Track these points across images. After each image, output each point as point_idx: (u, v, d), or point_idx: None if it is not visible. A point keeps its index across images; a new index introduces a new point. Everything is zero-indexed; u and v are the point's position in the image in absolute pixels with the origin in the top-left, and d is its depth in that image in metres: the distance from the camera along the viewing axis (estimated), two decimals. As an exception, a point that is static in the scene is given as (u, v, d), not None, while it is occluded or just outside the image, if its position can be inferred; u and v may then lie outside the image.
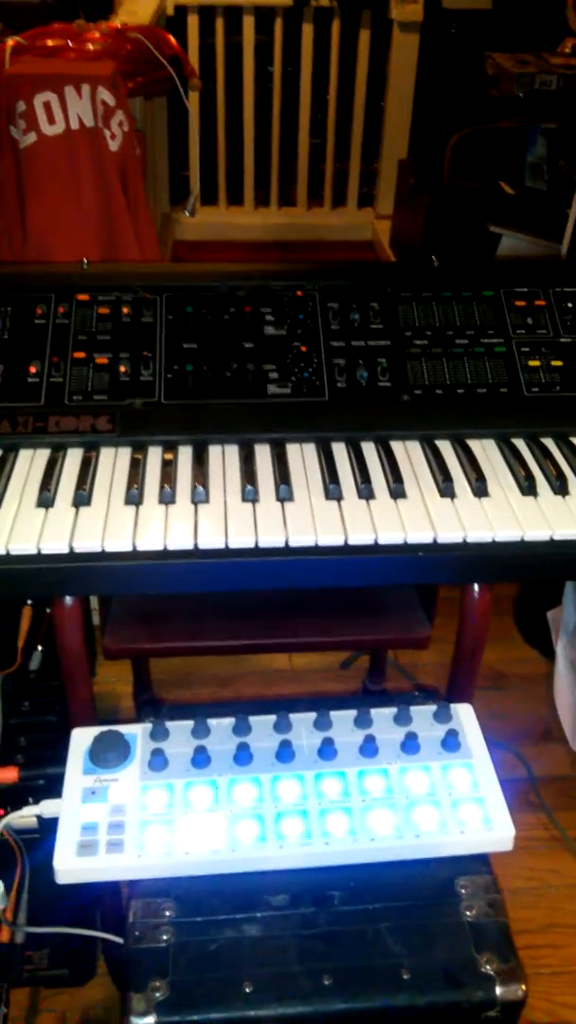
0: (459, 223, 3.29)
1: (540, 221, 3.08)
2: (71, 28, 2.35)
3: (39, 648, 1.64)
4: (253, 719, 1.18)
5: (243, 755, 1.13)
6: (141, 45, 2.32)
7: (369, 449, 1.33)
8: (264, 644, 1.63)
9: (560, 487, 1.28)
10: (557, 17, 3.57)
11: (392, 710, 1.20)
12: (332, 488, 1.24)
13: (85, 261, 1.46)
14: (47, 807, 1.18)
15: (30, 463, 1.27)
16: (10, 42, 2.17)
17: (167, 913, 1.04)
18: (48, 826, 1.15)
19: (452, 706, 1.21)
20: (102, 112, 2.06)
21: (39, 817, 1.24)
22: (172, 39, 2.45)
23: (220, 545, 1.16)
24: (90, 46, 2.25)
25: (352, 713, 1.20)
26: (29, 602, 1.59)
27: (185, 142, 3.93)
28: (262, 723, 1.18)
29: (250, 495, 1.22)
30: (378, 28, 3.92)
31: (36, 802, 1.22)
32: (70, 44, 2.24)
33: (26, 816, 1.21)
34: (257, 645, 1.63)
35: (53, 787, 1.22)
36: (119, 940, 1.10)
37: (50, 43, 2.25)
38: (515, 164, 3.40)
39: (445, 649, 1.43)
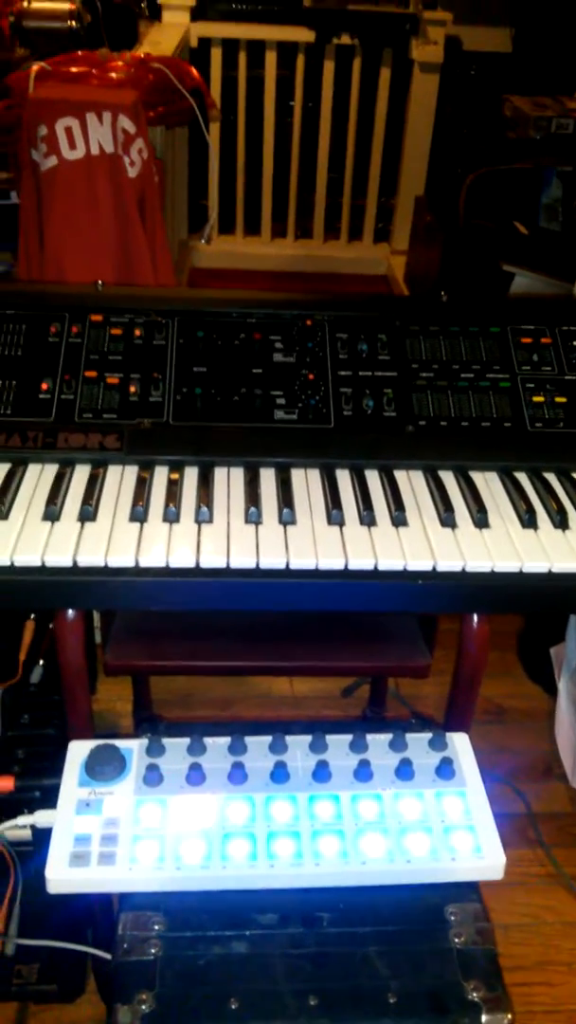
0: (473, 261, 3.32)
1: (553, 261, 3.11)
2: (95, 56, 2.40)
3: (41, 662, 1.65)
4: (249, 739, 1.19)
5: (238, 774, 1.14)
6: (163, 76, 2.37)
7: (372, 477, 1.35)
8: (264, 666, 1.64)
9: (560, 521, 1.29)
10: (575, 61, 3.63)
11: (388, 736, 1.21)
12: (334, 513, 1.26)
13: (100, 283, 1.49)
14: (41, 817, 1.19)
15: (38, 477, 1.29)
16: (35, 67, 2.22)
17: (156, 927, 1.05)
18: (42, 839, 1.16)
19: (448, 734, 1.22)
20: (122, 139, 2.11)
21: (33, 829, 1.25)
22: (194, 71, 2.50)
23: (222, 564, 1.17)
24: (113, 75, 2.30)
25: (348, 737, 1.20)
26: (32, 616, 1.60)
27: (205, 172, 3.98)
28: (258, 743, 1.19)
29: (253, 517, 1.24)
30: (399, 67, 3.99)
31: (31, 812, 1.23)
32: (94, 72, 2.29)
33: (20, 826, 1.23)
34: (257, 667, 1.64)
35: (49, 799, 1.23)
36: (108, 957, 1.11)
37: (74, 70, 2.30)
38: (530, 205, 3.44)
39: (446, 681, 1.44)
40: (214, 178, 4.02)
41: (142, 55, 2.56)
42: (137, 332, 1.43)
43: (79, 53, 2.46)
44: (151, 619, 1.53)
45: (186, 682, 2.20)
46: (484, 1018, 0.99)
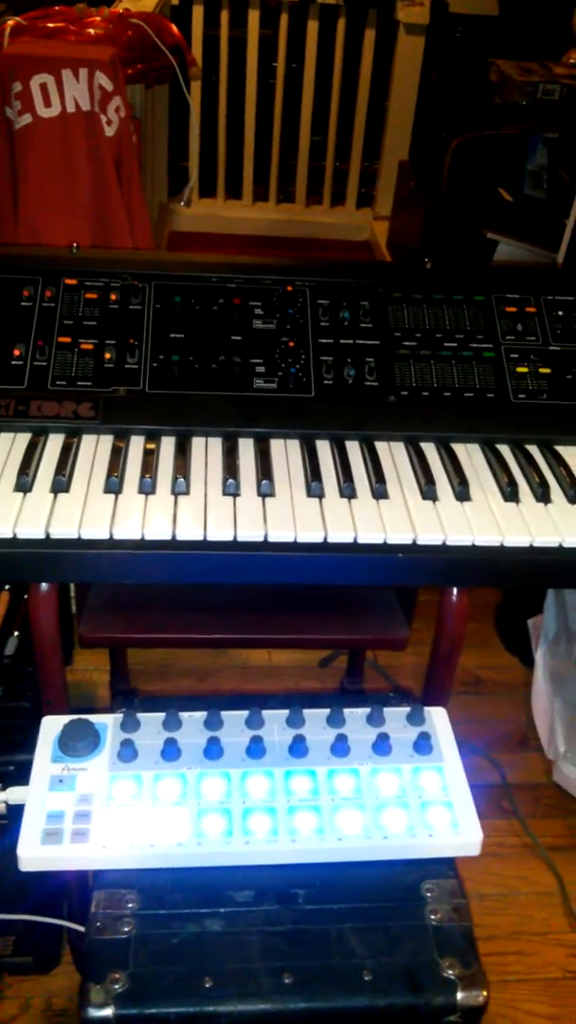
0: (457, 228, 3.29)
1: (537, 230, 3.08)
2: (72, 12, 2.34)
3: (15, 634, 1.63)
4: (225, 714, 1.18)
5: (213, 749, 1.12)
6: (142, 32, 2.30)
7: (353, 448, 1.32)
8: (241, 639, 1.62)
9: (543, 495, 1.27)
10: (563, 26, 3.57)
11: (365, 710, 1.20)
12: (314, 485, 1.23)
13: (75, 245, 1.45)
14: (14, 794, 1.17)
15: (10, 447, 1.26)
16: (10, 22, 2.16)
17: (130, 905, 1.04)
18: (16, 813, 1.14)
19: (426, 709, 1.21)
20: (99, 97, 2.05)
21: (6, 803, 1.23)
22: (174, 27, 2.44)
23: (199, 537, 1.15)
24: (91, 30, 2.24)
25: (325, 712, 1.19)
26: (7, 587, 1.58)
27: (186, 134, 3.91)
28: (234, 718, 1.18)
29: (231, 488, 1.22)
30: (384, 28, 3.92)
31: (4, 788, 1.21)
32: (71, 27, 2.22)
33: (-8, 802, 1.21)
34: (234, 639, 1.62)
35: (23, 774, 1.21)
36: (83, 929, 1.10)
37: (51, 25, 2.23)
38: (515, 171, 3.40)
39: (424, 652, 1.43)
40: (195, 139, 3.95)
41: (121, 11, 2.49)
42: (113, 297, 1.39)
43: (56, 8, 2.39)
44: (127, 590, 1.51)
45: (164, 653, 2.18)
46: (459, 995, 0.98)
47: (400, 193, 3.90)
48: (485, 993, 0.99)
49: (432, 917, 1.05)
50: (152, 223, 3.12)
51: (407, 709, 1.20)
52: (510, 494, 1.27)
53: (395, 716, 1.20)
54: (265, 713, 1.18)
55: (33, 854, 1.02)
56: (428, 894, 1.07)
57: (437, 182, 3.37)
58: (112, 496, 1.19)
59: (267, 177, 4.24)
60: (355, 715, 1.20)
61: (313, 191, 4.33)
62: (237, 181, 4.24)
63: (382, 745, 1.15)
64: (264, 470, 1.25)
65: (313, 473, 1.25)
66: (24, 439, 1.27)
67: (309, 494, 1.23)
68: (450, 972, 1.00)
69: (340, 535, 1.18)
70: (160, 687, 2.11)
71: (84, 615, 1.46)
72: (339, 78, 4.04)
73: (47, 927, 1.45)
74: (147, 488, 1.20)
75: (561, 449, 1.37)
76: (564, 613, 2.00)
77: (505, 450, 1.36)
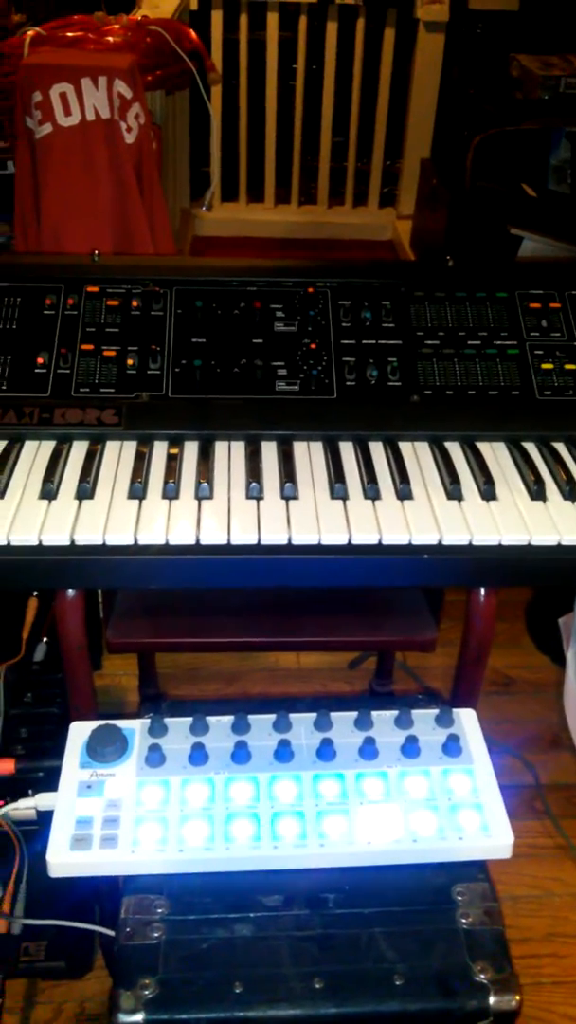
0: (480, 225, 3.27)
1: (563, 225, 3.05)
2: (91, 20, 2.35)
3: (44, 640, 1.64)
4: (252, 718, 1.17)
5: (241, 753, 1.12)
6: (161, 38, 2.31)
7: (377, 449, 1.32)
8: (268, 642, 1.62)
9: (570, 492, 1.26)
10: (584, 19, 3.54)
11: (393, 713, 1.19)
12: (337, 487, 1.23)
13: (96, 252, 1.45)
14: (43, 800, 1.17)
15: (35, 454, 1.27)
16: (30, 32, 2.17)
17: (159, 910, 1.03)
18: (47, 818, 1.14)
19: (455, 711, 1.20)
20: (118, 104, 2.06)
21: (37, 810, 1.23)
22: (192, 33, 2.44)
23: (222, 541, 1.15)
24: (110, 38, 2.25)
25: (352, 715, 1.18)
26: (35, 594, 1.59)
27: (206, 138, 3.91)
28: (261, 722, 1.17)
29: (254, 492, 1.21)
30: (403, 27, 3.90)
31: (35, 794, 1.22)
32: (90, 36, 2.23)
33: (23, 808, 1.21)
34: (261, 643, 1.62)
35: (52, 779, 1.21)
36: (113, 934, 1.10)
37: (70, 34, 2.25)
38: (538, 167, 3.37)
39: (455, 652, 1.42)
40: (216, 144, 3.95)
41: (139, 18, 2.50)
42: (134, 303, 1.40)
43: (75, 17, 2.40)
44: (154, 595, 1.52)
45: (192, 656, 2.18)
46: (492, 999, 0.97)
47: (423, 192, 3.88)
48: (518, 997, 0.98)
49: (463, 921, 1.04)
50: (175, 228, 3.14)
51: (435, 711, 1.19)
52: (537, 492, 1.25)
53: (423, 718, 1.19)
54: (293, 717, 1.18)
55: (63, 860, 1.02)
56: (459, 897, 1.06)
57: (460, 180, 3.35)
58: (136, 502, 1.20)
59: (289, 179, 4.24)
60: (383, 718, 1.19)
61: (335, 192, 4.32)
62: (259, 184, 4.24)
63: (411, 748, 1.14)
64: (287, 473, 1.25)
65: (336, 475, 1.25)
66: (49, 447, 1.28)
67: (333, 496, 1.23)
68: (482, 976, 0.99)
69: (365, 537, 1.17)
70: (189, 691, 2.11)
71: (111, 621, 1.47)
72: (359, 78, 4.02)
73: (79, 932, 1.45)
74: (171, 493, 1.21)
75: (588, 446, 1.36)
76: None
77: (531, 448, 1.35)
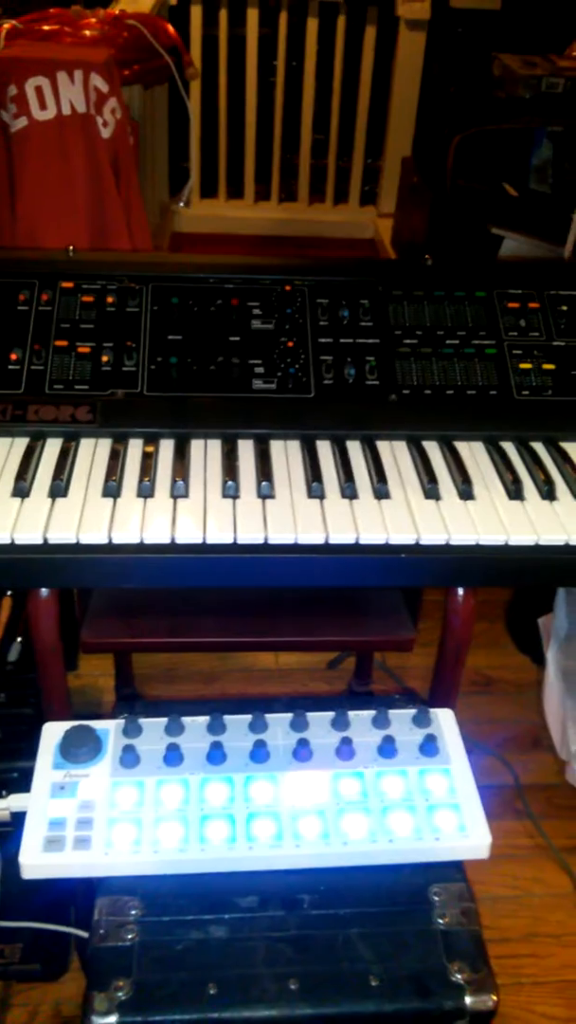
0: (461, 224, 3.27)
1: (543, 224, 3.06)
2: (68, 14, 2.33)
3: (18, 639, 1.62)
4: (228, 718, 1.16)
5: (216, 754, 1.11)
6: (138, 33, 2.30)
7: (354, 448, 1.31)
8: (246, 642, 1.61)
9: (548, 492, 1.26)
10: (566, 19, 3.55)
11: (370, 713, 1.19)
12: (315, 486, 1.22)
13: (71, 248, 1.44)
14: (16, 801, 1.16)
15: (7, 452, 1.25)
16: (6, 26, 2.15)
17: (133, 912, 1.02)
18: (21, 820, 1.13)
19: (432, 710, 1.19)
20: (95, 99, 2.04)
21: (10, 811, 1.22)
22: (171, 28, 2.43)
23: (198, 540, 1.14)
24: (87, 32, 2.24)
25: (329, 715, 1.18)
26: (9, 593, 1.57)
27: (186, 134, 3.90)
28: (237, 722, 1.17)
29: (231, 491, 1.20)
30: (384, 25, 3.90)
31: (8, 795, 1.20)
32: (66, 29, 2.22)
33: (-5, 810, 1.20)
34: (239, 643, 1.61)
35: (26, 780, 1.20)
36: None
37: (46, 28, 2.23)
38: (519, 166, 3.38)
39: (433, 652, 1.41)
40: (195, 139, 3.94)
41: (117, 12, 2.48)
42: (110, 299, 1.38)
43: (52, 11, 2.39)
44: (130, 595, 1.50)
45: (169, 656, 2.17)
46: (468, 1000, 0.97)
47: (404, 190, 3.88)
48: (495, 997, 0.98)
49: (440, 921, 1.04)
50: (153, 225, 3.12)
51: (413, 711, 1.19)
52: (515, 492, 1.25)
53: (401, 718, 1.18)
54: (269, 717, 1.17)
55: (35, 862, 1.01)
56: (436, 898, 1.06)
57: (441, 178, 3.35)
58: (111, 500, 1.18)
59: (269, 176, 4.23)
60: (360, 718, 1.18)
61: (316, 189, 4.31)
62: (239, 181, 4.23)
63: (388, 748, 1.13)
64: (264, 472, 1.24)
65: (314, 474, 1.24)
66: (22, 444, 1.27)
67: (310, 495, 1.22)
68: (459, 976, 0.98)
69: (342, 536, 1.16)
70: (166, 691, 2.10)
71: (86, 620, 1.45)
72: (340, 75, 4.02)
73: (54, 934, 1.44)
74: (146, 492, 1.19)
75: (566, 446, 1.36)
76: (575, 612, 1.98)
77: (509, 448, 1.34)
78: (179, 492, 1.20)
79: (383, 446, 1.32)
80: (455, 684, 1.42)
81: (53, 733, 1.14)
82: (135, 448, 1.27)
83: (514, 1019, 1.58)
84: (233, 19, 3.86)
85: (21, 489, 1.18)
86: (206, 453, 1.28)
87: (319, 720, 1.18)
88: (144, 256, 1.80)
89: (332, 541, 1.16)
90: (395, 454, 1.31)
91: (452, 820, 1.07)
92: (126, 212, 2.18)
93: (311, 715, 1.18)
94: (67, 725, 1.13)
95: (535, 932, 1.71)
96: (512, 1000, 1.59)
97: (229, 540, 1.15)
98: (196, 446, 1.29)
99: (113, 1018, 0.94)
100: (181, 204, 3.83)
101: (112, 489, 1.19)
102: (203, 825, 1.04)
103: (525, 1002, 1.60)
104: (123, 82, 2.15)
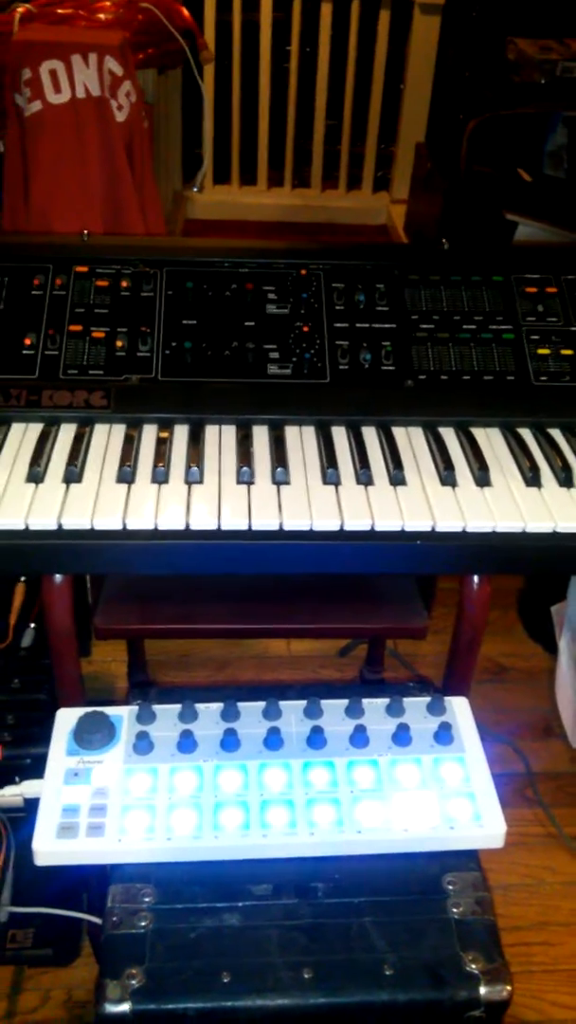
0: (475, 210, 3.24)
1: (558, 210, 3.03)
2: (83, -3, 2.32)
3: (32, 626, 1.62)
4: (242, 705, 1.16)
5: (230, 741, 1.11)
6: (153, 16, 2.28)
7: (370, 434, 1.30)
8: (258, 629, 1.61)
9: (566, 479, 1.25)
10: (582, 2, 3.51)
11: (384, 701, 1.18)
12: (330, 472, 1.21)
13: (85, 232, 1.43)
14: (30, 787, 1.16)
15: (22, 437, 1.25)
16: (20, 9, 2.13)
17: (147, 899, 1.02)
18: (34, 806, 1.13)
19: (446, 699, 1.19)
20: (109, 82, 2.03)
21: (24, 797, 1.22)
22: (185, 11, 2.41)
23: (212, 526, 1.13)
24: (101, 15, 2.22)
25: (343, 702, 1.17)
26: (23, 579, 1.57)
27: (199, 119, 3.88)
28: (251, 709, 1.16)
29: (245, 476, 1.20)
30: (398, 9, 3.86)
31: (22, 781, 1.20)
32: (81, 12, 2.20)
33: (9, 796, 1.20)
34: (251, 630, 1.61)
35: (40, 766, 1.20)
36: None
37: (60, 11, 2.21)
38: (534, 151, 3.34)
39: (447, 640, 1.41)
40: (208, 125, 3.92)
41: (131, -6, 2.46)
42: (124, 284, 1.37)
43: (66, -7, 2.37)
44: (143, 581, 1.50)
45: (182, 643, 2.17)
46: (482, 990, 0.96)
47: (417, 176, 3.85)
48: (509, 988, 0.97)
49: (454, 911, 1.03)
50: (167, 211, 3.10)
51: (427, 699, 1.18)
52: (532, 479, 1.24)
53: (415, 706, 1.18)
54: (282, 704, 1.17)
55: (48, 848, 1.01)
56: (450, 887, 1.05)
57: (455, 164, 3.33)
58: (125, 486, 1.18)
59: (282, 162, 4.20)
60: (374, 705, 1.18)
61: (329, 175, 4.28)
62: (252, 167, 4.20)
63: (402, 736, 1.13)
64: (279, 458, 1.23)
65: (329, 460, 1.23)
66: (36, 429, 1.26)
67: (325, 481, 1.21)
68: (473, 967, 0.98)
69: (357, 523, 1.16)
70: (178, 677, 2.10)
71: (99, 606, 1.45)
72: (354, 60, 3.98)
73: (67, 919, 1.44)
74: (160, 477, 1.19)
75: (584, 432, 1.34)
76: (588, 600, 1.97)
77: (527, 434, 1.33)
78: (193, 478, 1.19)
79: (399, 432, 1.31)
80: (469, 672, 1.41)
81: (67, 719, 1.13)
82: (149, 434, 1.26)
83: (525, 1007, 1.57)
84: (247, 3, 3.83)
85: (35, 474, 1.18)
86: (220, 439, 1.27)
87: (333, 708, 1.17)
88: (159, 240, 1.79)
89: (347, 528, 1.15)
90: (411, 440, 1.30)
91: (467, 809, 1.06)
92: (140, 196, 2.17)
93: (325, 703, 1.17)
94: (81, 711, 1.13)
95: (546, 920, 1.71)
96: (523, 988, 1.59)
97: (244, 526, 1.14)
98: (211, 432, 1.28)
99: (126, 1006, 0.93)
100: (195, 190, 3.81)
101: (126, 475, 1.18)
102: (217, 812, 1.04)
103: (536, 990, 1.60)
104: (137, 65, 2.14)
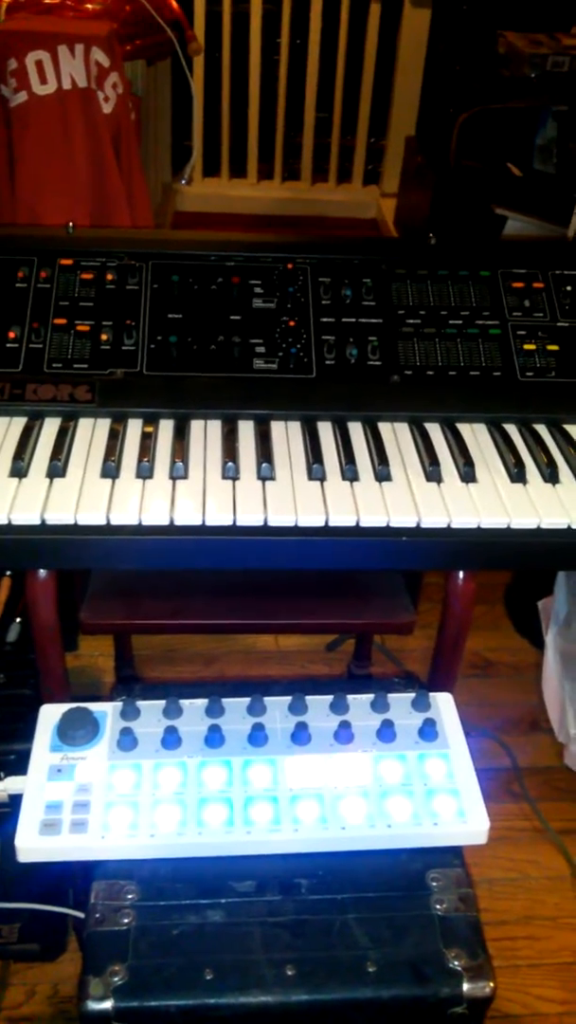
0: (465, 204, 3.24)
1: (547, 204, 3.02)
2: (70, -13, 2.30)
3: (17, 620, 1.61)
4: (226, 701, 1.16)
5: (214, 737, 1.11)
6: (141, 7, 2.26)
7: (356, 429, 1.30)
8: (246, 624, 1.60)
9: (551, 475, 1.25)
10: (573, -3, 3.50)
11: (369, 696, 1.18)
12: (315, 468, 1.21)
13: (70, 224, 1.42)
14: (13, 783, 1.16)
15: (5, 431, 1.24)
16: (6, -1, 2.12)
17: (129, 896, 1.02)
18: (18, 801, 1.13)
19: (431, 695, 1.19)
20: (96, 73, 2.01)
21: (7, 793, 1.22)
22: (174, 2, 2.40)
23: (197, 522, 1.13)
24: (88, 6, 2.20)
25: (328, 698, 1.17)
26: (8, 574, 1.56)
27: (189, 111, 3.86)
28: (236, 705, 1.16)
29: (230, 472, 1.19)
30: (389, 2, 3.85)
31: (5, 777, 1.20)
32: (68, 3, 2.18)
33: (-9, 792, 1.19)
34: (239, 625, 1.60)
35: (23, 763, 1.19)
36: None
37: (47, 1, 2.20)
38: (524, 146, 3.34)
39: (433, 635, 1.41)
40: (198, 117, 3.90)
41: (119, -15, 2.44)
42: (109, 277, 1.36)
43: (53, -17, 2.35)
44: (129, 576, 1.49)
45: (169, 638, 2.16)
46: (465, 987, 0.97)
47: (407, 169, 3.85)
48: (492, 984, 0.98)
49: (438, 907, 1.03)
50: (155, 203, 3.09)
51: (412, 695, 1.18)
52: (517, 475, 1.24)
53: (400, 702, 1.18)
54: (267, 700, 1.16)
55: (31, 845, 1.01)
56: (434, 883, 1.05)
57: (445, 158, 3.32)
58: (109, 481, 1.17)
59: (272, 155, 4.19)
60: (359, 701, 1.18)
61: (319, 168, 4.27)
62: (241, 159, 4.19)
63: (386, 732, 1.13)
64: (264, 453, 1.22)
65: (314, 455, 1.23)
66: (20, 423, 1.25)
67: (310, 477, 1.21)
68: (456, 963, 0.98)
69: (342, 519, 1.15)
70: (165, 672, 2.10)
71: (86, 601, 1.44)
72: (344, 53, 3.97)
73: (52, 915, 1.44)
74: (145, 472, 1.18)
75: (570, 428, 1.34)
76: (575, 594, 1.98)
77: (512, 430, 1.33)
78: (178, 473, 1.18)
79: (385, 427, 1.31)
80: (454, 668, 1.41)
81: (50, 715, 1.13)
82: (134, 428, 1.26)
83: (510, 1001, 1.58)
84: (237, -6, 3.82)
85: (18, 469, 1.17)
86: (206, 434, 1.27)
87: (318, 704, 1.17)
88: (144, 233, 1.78)
89: (332, 523, 1.15)
90: (397, 436, 1.30)
91: (451, 805, 1.06)
92: (127, 188, 2.15)
93: (310, 698, 1.17)
94: (65, 707, 1.13)
95: (532, 915, 1.71)
96: (508, 982, 1.59)
97: (228, 522, 1.13)
98: (196, 427, 1.28)
99: (109, 1003, 0.93)
100: (183, 182, 3.79)
101: (111, 470, 1.18)
102: (201, 809, 1.04)
103: (521, 984, 1.60)
104: (125, 57, 2.12)
